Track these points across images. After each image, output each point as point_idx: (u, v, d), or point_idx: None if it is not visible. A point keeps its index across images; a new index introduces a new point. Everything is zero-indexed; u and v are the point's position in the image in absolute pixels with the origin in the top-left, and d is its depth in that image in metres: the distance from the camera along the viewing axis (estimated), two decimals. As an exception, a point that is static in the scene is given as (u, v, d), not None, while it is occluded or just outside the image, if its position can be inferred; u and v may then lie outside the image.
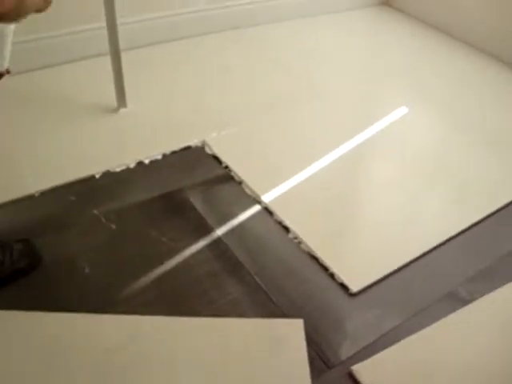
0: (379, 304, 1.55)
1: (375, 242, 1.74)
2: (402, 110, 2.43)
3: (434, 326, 1.49)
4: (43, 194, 1.81)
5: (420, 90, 2.61)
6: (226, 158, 2.00)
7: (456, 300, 1.58)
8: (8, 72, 1.36)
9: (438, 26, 3.25)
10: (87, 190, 1.84)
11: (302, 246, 1.70)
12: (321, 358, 1.39)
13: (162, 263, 1.61)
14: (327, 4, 3.27)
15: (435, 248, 1.74)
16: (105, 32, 2.04)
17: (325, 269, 1.63)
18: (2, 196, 1.76)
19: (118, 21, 2.01)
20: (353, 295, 1.56)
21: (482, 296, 1.59)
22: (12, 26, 1.22)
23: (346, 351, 1.41)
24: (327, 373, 1.36)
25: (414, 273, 1.65)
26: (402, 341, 1.44)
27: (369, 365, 1.38)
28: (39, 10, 1.22)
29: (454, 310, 1.55)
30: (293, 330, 1.45)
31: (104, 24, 2.02)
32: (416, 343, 1.45)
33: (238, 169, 1.95)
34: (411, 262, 1.68)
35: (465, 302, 1.57)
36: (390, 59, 2.88)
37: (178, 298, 1.52)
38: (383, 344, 1.43)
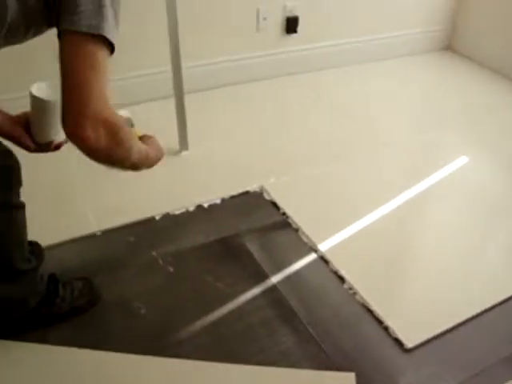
0: (435, 362, 1.50)
1: (433, 297, 1.70)
2: (463, 160, 2.38)
3: (494, 389, 1.44)
4: (104, 233, 1.87)
5: (481, 139, 2.56)
6: (283, 205, 2.01)
7: (517, 364, 1.52)
8: (66, 142, 1.41)
9: (502, 71, 3.19)
10: (147, 231, 1.89)
11: (357, 297, 1.67)
12: (372, 415, 1.36)
13: (216, 308, 1.62)
14: (387, 49, 3.29)
15: (497, 305, 1.67)
16: (169, 75, 2.12)
17: (379, 322, 1.60)
18: (64, 234, 1.83)
19: (183, 65, 2.09)
20: (407, 351, 1.52)
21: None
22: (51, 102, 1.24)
23: (398, 410, 1.38)
24: (378, 432, 1.33)
25: (473, 331, 1.59)
26: (457, 404, 1.39)
27: (422, 427, 1.33)
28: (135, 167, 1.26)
29: (514, 374, 1.48)
30: (344, 384, 1.43)
31: (169, 67, 2.10)
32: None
33: (296, 216, 1.96)
34: (471, 318, 1.61)
35: (526, 367, 1.51)
36: (451, 106, 2.84)
37: (230, 345, 1.52)
38: (437, 406, 1.39)
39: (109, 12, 1.02)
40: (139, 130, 1.30)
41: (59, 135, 1.43)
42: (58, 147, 1.50)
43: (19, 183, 1.31)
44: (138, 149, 1.19)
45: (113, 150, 1.07)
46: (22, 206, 1.34)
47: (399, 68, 3.23)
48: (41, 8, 1.06)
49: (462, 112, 2.79)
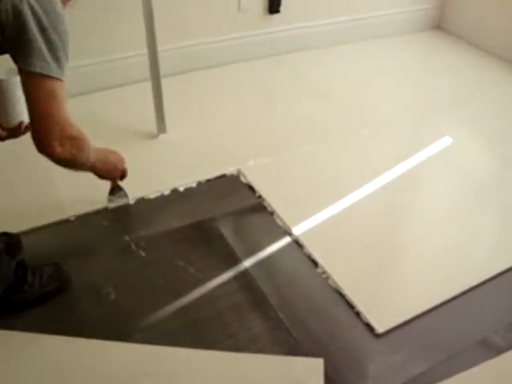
0: (406, 347, 1.48)
1: (406, 282, 1.68)
2: (447, 140, 2.35)
3: (464, 374, 1.41)
4: (78, 218, 1.85)
5: (467, 119, 2.53)
6: (259, 188, 1.99)
7: (489, 348, 1.50)
8: (23, 123, 1.53)
9: (491, 50, 3.15)
10: (121, 215, 1.88)
11: (330, 281, 1.66)
12: (338, 401, 1.35)
13: (186, 293, 1.61)
14: (374, 29, 3.23)
15: (470, 290, 1.65)
16: (146, 58, 2.08)
17: (351, 307, 1.58)
18: (38, 220, 1.81)
19: (159, 47, 2.05)
20: (378, 336, 1.50)
21: (519, 345, 1.51)
22: (17, 79, 1.34)
23: (365, 396, 1.36)
24: (343, 418, 1.32)
25: (445, 316, 1.57)
26: (424, 389, 1.38)
27: (388, 412, 1.32)
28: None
29: (486, 358, 1.46)
30: (311, 370, 1.41)
31: (145, 51, 2.06)
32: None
33: (271, 199, 1.94)
34: (443, 303, 1.60)
35: (499, 351, 1.48)
36: (438, 86, 2.80)
37: (199, 330, 1.51)
38: (405, 391, 1.37)
39: (57, 51, 1.25)
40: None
41: (26, 115, 1.41)
42: (28, 128, 1.48)
43: None
44: (95, 151, 1.52)
45: (76, 157, 1.39)
46: None
47: (386, 48, 3.18)
48: None
49: (449, 91, 2.76)
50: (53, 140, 1.30)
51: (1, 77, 1.43)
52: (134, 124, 2.31)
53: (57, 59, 1.25)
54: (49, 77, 1.25)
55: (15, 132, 1.55)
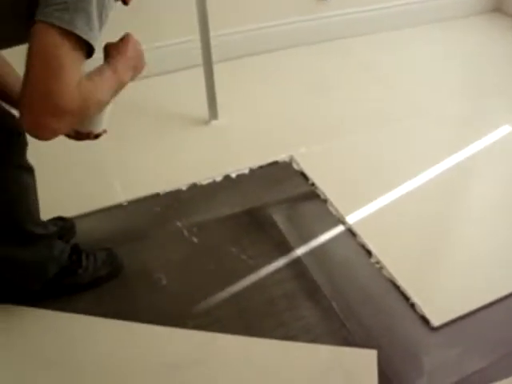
0: (462, 342, 1.43)
1: (463, 275, 1.62)
2: (505, 129, 2.26)
3: (523, 373, 1.37)
4: (131, 203, 1.87)
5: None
6: (312, 175, 1.96)
7: (552, 346, 1.44)
8: (105, 132, 1.40)
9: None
10: (173, 201, 1.88)
11: (384, 271, 1.62)
12: (393, 394, 1.32)
13: (238, 281, 1.60)
14: (430, 13, 3.12)
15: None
16: (198, 44, 2.07)
17: (406, 298, 1.54)
18: (92, 204, 1.84)
19: (211, 33, 2.04)
20: (434, 329, 1.46)
21: None
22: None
23: (420, 390, 1.33)
24: (398, 412, 1.29)
25: (504, 311, 1.51)
26: (484, 386, 1.33)
27: (444, 408, 1.29)
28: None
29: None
30: (365, 361, 1.39)
31: (198, 36, 2.05)
32: (500, 390, 1.33)
33: (325, 187, 1.91)
34: (502, 299, 1.54)
35: (561, 349, 1.43)
36: (497, 72, 2.70)
37: (250, 318, 1.50)
38: (463, 387, 1.33)
39: (89, 12, 0.96)
40: None
41: (100, 125, 1.36)
42: (97, 137, 1.42)
43: (25, 144, 1.27)
44: (108, 85, 1.10)
45: (83, 116, 1.05)
46: (29, 168, 1.32)
47: (443, 32, 3.07)
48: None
49: (508, 78, 2.65)
50: (44, 117, 0.96)
51: None
52: (186, 110, 2.31)
53: (85, 13, 0.96)
54: (63, 33, 0.94)
55: (84, 136, 1.42)
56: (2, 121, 1.20)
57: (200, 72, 2.17)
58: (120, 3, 1.18)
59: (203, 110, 2.24)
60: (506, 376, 1.35)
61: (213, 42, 2.07)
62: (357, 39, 2.94)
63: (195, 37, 2.09)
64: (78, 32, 0.94)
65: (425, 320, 1.49)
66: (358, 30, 2.95)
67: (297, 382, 1.35)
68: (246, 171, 2.00)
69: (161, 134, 2.17)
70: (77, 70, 0.97)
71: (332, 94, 2.48)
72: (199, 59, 2.13)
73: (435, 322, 1.47)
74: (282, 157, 2.06)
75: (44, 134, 0.97)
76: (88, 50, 0.99)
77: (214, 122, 2.24)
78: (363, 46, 2.90)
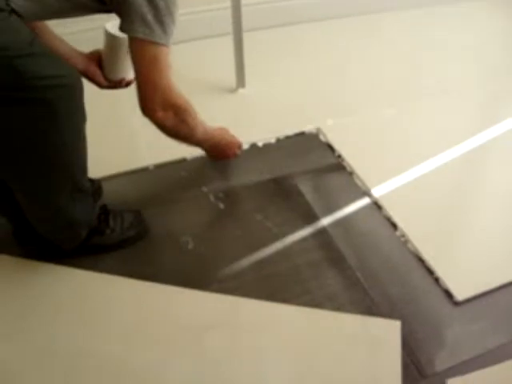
0: (486, 317, 1.44)
1: (489, 251, 1.63)
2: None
3: (546, 349, 1.37)
4: (157, 167, 1.87)
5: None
6: (339, 147, 1.96)
7: None
8: (130, 81, 1.59)
9: None
10: (199, 167, 1.89)
11: (409, 245, 1.63)
12: (415, 365, 1.33)
13: (263, 247, 1.61)
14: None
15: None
16: (229, 12, 2.06)
17: (430, 272, 1.55)
18: (118, 167, 1.85)
19: (243, 1, 2.02)
20: (457, 304, 1.47)
21: None
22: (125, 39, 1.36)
23: (442, 362, 1.33)
24: (420, 382, 1.30)
25: (529, 289, 1.53)
26: (507, 361, 1.34)
27: (467, 381, 1.29)
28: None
29: None
30: (389, 332, 1.40)
31: (229, 4, 2.04)
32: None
33: (351, 159, 1.91)
34: (527, 276, 1.55)
35: None
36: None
37: (275, 284, 1.51)
38: (485, 361, 1.33)
39: (163, 16, 1.25)
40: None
41: (130, 72, 1.48)
42: (128, 84, 1.57)
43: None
44: (204, 129, 1.60)
45: (179, 127, 1.46)
46: (86, 118, 1.33)
47: (469, 12, 3.02)
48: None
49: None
50: (155, 105, 1.36)
51: (115, 32, 1.44)
52: (214, 77, 2.31)
53: (161, 24, 1.25)
54: (152, 42, 1.26)
55: (116, 85, 1.61)
56: (65, 69, 1.22)
57: (228, 41, 2.16)
58: None
59: (231, 78, 2.23)
60: (528, 352, 1.36)
61: (243, 10, 2.05)
62: (384, 15, 2.90)
63: (226, 4, 2.07)
64: (159, 40, 1.27)
65: (448, 294, 1.49)
66: (385, 7, 2.91)
67: (321, 349, 1.36)
68: (273, 141, 2.00)
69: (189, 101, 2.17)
70: (170, 70, 1.35)
71: (359, 69, 2.46)
72: (229, 27, 2.11)
73: (459, 296, 1.48)
74: (309, 128, 2.06)
75: (161, 116, 1.39)
76: None
77: (241, 91, 2.24)
78: (391, 22, 2.86)
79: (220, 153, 1.79)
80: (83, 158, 1.38)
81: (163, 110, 1.38)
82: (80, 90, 1.24)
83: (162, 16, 1.24)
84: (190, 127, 1.50)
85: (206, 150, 1.72)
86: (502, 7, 3.11)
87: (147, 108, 1.38)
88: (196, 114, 1.50)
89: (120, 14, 1.27)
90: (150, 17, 1.23)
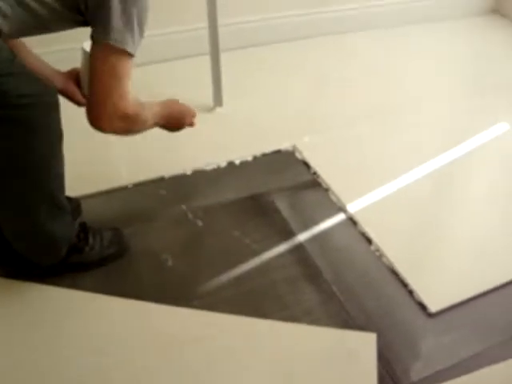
0: (459, 328, 1.48)
1: (460, 263, 1.68)
2: (503, 127, 2.31)
3: (517, 358, 1.42)
4: (136, 186, 1.89)
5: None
6: (315, 164, 2.00)
7: (544, 333, 1.49)
8: None
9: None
10: (178, 185, 1.91)
11: (384, 259, 1.67)
12: (391, 376, 1.36)
13: (242, 263, 1.64)
14: (430, 12, 3.15)
15: (526, 275, 1.65)
16: (206, 32, 2.10)
17: (404, 285, 1.59)
18: (97, 185, 1.86)
19: (220, 22, 2.07)
20: (431, 315, 1.51)
21: None
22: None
23: (417, 373, 1.37)
24: (396, 392, 1.34)
25: (500, 299, 1.57)
26: (479, 370, 1.38)
27: (441, 390, 1.33)
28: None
29: (540, 343, 1.46)
30: (365, 344, 1.43)
31: (206, 25, 2.08)
32: (494, 375, 1.38)
33: (326, 176, 1.95)
34: (498, 287, 1.59)
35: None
36: (494, 72, 2.74)
37: (253, 300, 1.54)
38: (458, 371, 1.37)
39: (134, 30, 1.25)
40: None
41: None
42: None
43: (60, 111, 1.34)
44: (153, 114, 1.46)
45: (129, 131, 1.38)
46: (62, 134, 1.36)
47: (441, 32, 3.10)
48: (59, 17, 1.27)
49: (507, 79, 2.70)
50: (103, 115, 1.28)
51: (88, 48, 1.47)
52: (192, 97, 2.29)
53: (132, 33, 1.25)
54: (118, 50, 1.24)
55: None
56: (41, 86, 1.26)
57: (206, 60, 2.20)
58: None
59: (208, 97, 2.27)
60: (500, 360, 1.40)
61: (220, 31, 2.10)
62: (359, 34, 2.97)
63: (204, 25, 2.12)
64: (128, 49, 1.25)
65: (422, 306, 1.53)
66: (360, 26, 2.98)
67: (298, 363, 1.39)
68: (250, 158, 2.03)
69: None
70: (129, 80, 1.29)
71: (334, 87, 2.52)
72: (206, 47, 2.16)
73: (432, 308, 1.52)
74: (285, 145, 2.10)
75: (107, 128, 1.29)
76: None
77: (218, 110, 2.27)
78: (365, 42, 2.93)
79: (176, 125, 1.65)
80: (61, 176, 1.40)
81: (109, 120, 1.29)
82: (57, 108, 1.28)
83: (133, 25, 1.24)
84: (141, 125, 1.41)
85: (161, 127, 1.59)
86: (474, 28, 3.22)
87: (94, 118, 1.29)
88: (144, 108, 1.40)
89: (94, 23, 1.27)
90: (122, 25, 1.23)
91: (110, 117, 1.27)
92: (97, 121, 1.28)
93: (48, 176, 1.34)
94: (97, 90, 1.27)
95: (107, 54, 1.25)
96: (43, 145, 1.28)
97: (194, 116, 1.72)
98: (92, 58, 1.27)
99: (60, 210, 1.43)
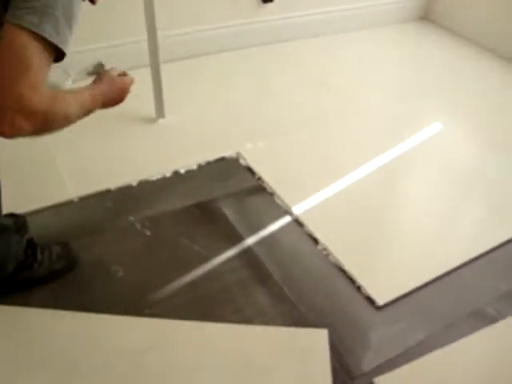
0: (405, 318, 1.55)
1: (403, 257, 1.75)
2: (437, 126, 2.43)
3: (459, 342, 1.49)
4: (82, 199, 1.88)
5: (456, 107, 2.61)
6: (259, 170, 2.04)
7: (483, 318, 1.58)
8: None
9: (479, 40, 3.23)
10: (124, 197, 1.91)
11: (331, 257, 1.72)
12: (344, 368, 1.41)
13: (192, 270, 1.66)
14: (363, 20, 3.29)
15: (465, 265, 1.73)
16: (145, 45, 2.12)
17: (352, 281, 1.65)
18: (42, 201, 1.84)
19: (159, 34, 2.09)
20: (379, 308, 1.57)
21: (511, 315, 1.59)
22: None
23: (369, 363, 1.42)
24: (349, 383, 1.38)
25: (441, 288, 1.65)
26: (425, 356, 1.45)
27: (391, 377, 1.39)
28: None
29: (480, 327, 1.54)
30: (317, 340, 1.47)
31: (145, 37, 2.10)
32: (440, 359, 1.45)
33: (271, 180, 1.99)
34: (439, 277, 1.68)
35: (492, 321, 1.57)
36: (426, 75, 2.88)
37: (206, 305, 1.56)
38: (407, 358, 1.44)
39: (57, 17, 1.03)
40: None
41: None
42: None
43: None
44: (81, 104, 1.19)
45: (46, 129, 1.09)
46: None
47: (375, 38, 3.25)
48: None
49: (437, 81, 2.83)
50: (3, 115, 1.01)
51: (54, 80, 1.42)
52: (134, 109, 2.34)
53: (50, 18, 1.02)
54: (32, 35, 1.01)
55: None
56: None
57: (146, 72, 2.21)
58: (87, 2, 1.23)
59: (150, 109, 2.28)
60: (444, 345, 1.48)
61: (160, 43, 2.12)
62: (297, 42, 3.06)
63: (143, 37, 2.13)
64: (46, 35, 1.01)
65: (370, 300, 1.59)
66: (298, 34, 3.08)
67: (253, 362, 1.41)
68: (195, 167, 2.06)
69: (110, 133, 2.20)
70: (43, 72, 1.04)
71: (274, 94, 2.58)
72: (146, 59, 2.17)
73: (380, 301, 1.58)
74: (229, 153, 2.14)
75: (8, 131, 1.01)
76: (58, 55, 1.07)
77: (161, 121, 2.29)
78: (303, 49, 3.02)
79: (116, 101, 1.41)
80: None
81: (9, 119, 1.00)
82: None
83: (54, 12, 1.02)
84: (63, 118, 1.12)
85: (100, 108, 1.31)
86: (408, 33, 3.36)
87: None
88: (63, 99, 1.13)
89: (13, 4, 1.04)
90: (41, 8, 1.01)
91: (9, 113, 1.00)
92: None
93: None
94: None
95: (15, 36, 1.01)
96: None
97: (132, 83, 1.51)
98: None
99: None
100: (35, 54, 1.02)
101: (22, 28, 1.00)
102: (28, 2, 1.01)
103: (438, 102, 2.62)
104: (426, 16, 3.54)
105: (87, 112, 1.22)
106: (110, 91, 1.33)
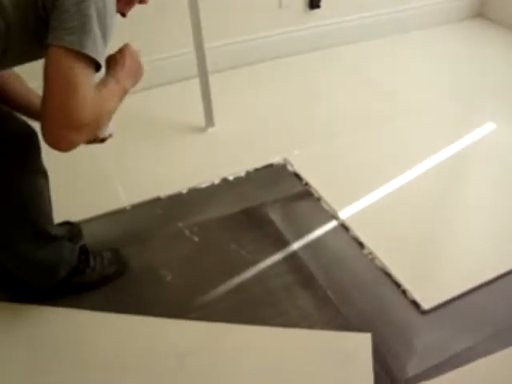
0: (451, 324, 1.53)
1: (452, 261, 1.73)
2: (490, 126, 2.37)
3: (507, 351, 1.45)
4: (134, 207, 1.95)
5: (510, 106, 2.54)
6: (306, 175, 2.06)
7: (534, 325, 1.53)
8: (111, 136, 1.53)
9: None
10: (174, 204, 1.97)
11: (376, 262, 1.71)
12: (387, 373, 1.40)
13: (239, 274, 1.69)
14: (414, 20, 3.24)
15: (514, 270, 1.69)
16: (193, 56, 2.18)
17: (397, 285, 1.64)
18: (97, 209, 1.92)
19: (206, 45, 2.15)
20: (424, 313, 1.56)
21: None
22: None
23: (412, 368, 1.41)
24: (392, 388, 1.38)
25: (490, 294, 1.61)
26: (472, 363, 1.42)
27: (435, 384, 1.37)
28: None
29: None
30: (360, 344, 1.47)
31: (192, 49, 2.16)
32: (487, 367, 1.42)
33: (318, 186, 2.01)
34: (489, 281, 1.64)
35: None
36: (480, 74, 2.82)
37: (250, 308, 1.59)
38: (452, 365, 1.42)
39: (94, 32, 1.09)
40: None
41: (105, 130, 1.48)
42: (103, 140, 1.54)
43: (39, 149, 1.36)
44: (114, 94, 1.23)
45: (98, 127, 1.20)
46: (44, 172, 1.41)
47: (427, 38, 3.19)
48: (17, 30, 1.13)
49: (492, 79, 2.76)
50: (58, 129, 1.10)
51: None
52: (184, 119, 2.41)
53: (89, 34, 1.09)
54: (74, 54, 1.08)
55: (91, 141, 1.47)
56: (17, 127, 1.31)
57: (195, 83, 2.28)
58: (119, 16, 1.29)
59: (200, 118, 2.34)
60: (491, 353, 1.44)
61: (208, 53, 2.17)
62: (346, 47, 3.05)
63: (190, 49, 2.19)
64: (87, 52, 1.08)
65: (415, 304, 1.58)
66: (347, 39, 3.06)
67: (297, 366, 1.43)
68: (243, 174, 2.09)
69: (161, 143, 2.27)
70: (90, 86, 1.13)
71: (323, 100, 2.59)
72: (194, 70, 2.23)
73: (425, 305, 1.56)
74: (276, 159, 2.16)
75: (64, 146, 1.12)
76: (96, 66, 1.13)
77: (210, 130, 2.34)
78: (352, 54, 3.01)
79: (138, 76, 1.35)
80: (44, 208, 1.45)
81: (70, 134, 1.10)
82: (35, 149, 1.33)
83: (91, 27, 1.09)
84: (106, 120, 1.23)
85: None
86: (463, 31, 3.29)
87: (47, 132, 1.10)
88: (104, 100, 1.18)
89: (53, 24, 1.11)
90: (78, 26, 1.08)
91: (65, 131, 1.10)
92: (49, 136, 1.10)
93: (28, 212, 1.39)
94: (48, 103, 1.10)
95: (60, 58, 1.08)
96: (20, 184, 1.33)
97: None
98: (44, 66, 1.10)
99: (48, 238, 1.48)
100: (80, 72, 1.09)
101: (66, 49, 1.07)
102: (67, 23, 1.08)
103: (492, 102, 2.56)
104: (482, 13, 3.45)
105: (122, 98, 1.27)
106: (129, 70, 1.31)
